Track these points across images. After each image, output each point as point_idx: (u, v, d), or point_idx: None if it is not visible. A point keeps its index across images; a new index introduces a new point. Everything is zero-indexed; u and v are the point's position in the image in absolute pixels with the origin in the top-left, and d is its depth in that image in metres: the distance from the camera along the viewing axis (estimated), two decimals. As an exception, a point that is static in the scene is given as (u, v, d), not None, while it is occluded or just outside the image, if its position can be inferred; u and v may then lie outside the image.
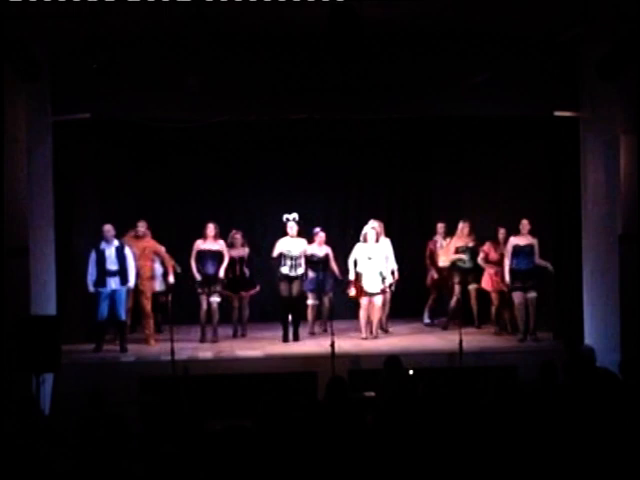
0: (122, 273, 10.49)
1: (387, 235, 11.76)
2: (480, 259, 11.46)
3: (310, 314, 11.66)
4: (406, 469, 5.28)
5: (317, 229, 11.68)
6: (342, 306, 12.08)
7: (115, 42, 9.21)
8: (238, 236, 11.50)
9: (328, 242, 11.69)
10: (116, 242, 10.54)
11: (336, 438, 5.62)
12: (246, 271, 11.48)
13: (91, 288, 10.45)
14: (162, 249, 11.30)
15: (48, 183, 10.16)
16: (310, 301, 11.61)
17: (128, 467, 5.22)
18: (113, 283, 10.45)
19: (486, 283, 11.51)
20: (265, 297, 12.23)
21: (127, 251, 10.57)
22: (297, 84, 10.14)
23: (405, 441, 5.59)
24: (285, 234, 11.28)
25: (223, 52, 9.69)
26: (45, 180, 10.09)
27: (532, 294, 10.94)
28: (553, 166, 11.30)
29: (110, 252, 10.46)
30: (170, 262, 11.29)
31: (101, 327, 10.58)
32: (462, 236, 11.82)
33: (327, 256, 11.53)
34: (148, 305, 11.03)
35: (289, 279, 11.19)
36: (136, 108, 10.18)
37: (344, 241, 12.47)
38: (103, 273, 10.43)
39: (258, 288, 11.66)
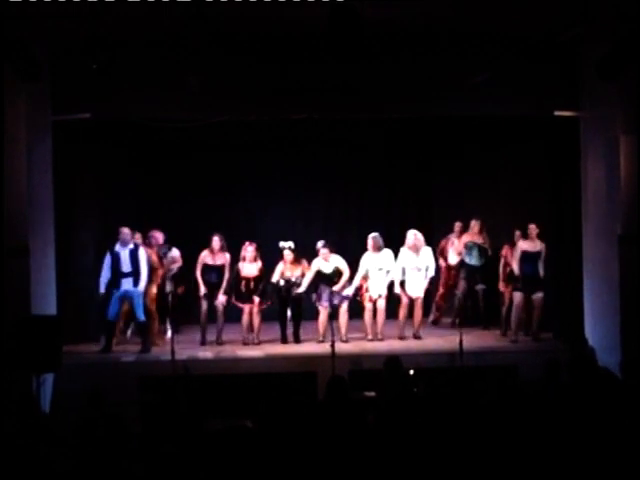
0: (135, 274, 10.48)
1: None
2: (501, 265, 11.41)
3: (321, 320, 11.08)
4: (406, 469, 5.28)
5: (319, 244, 11.20)
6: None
7: (115, 42, 9.20)
8: (251, 248, 11.15)
9: (328, 242, 11.54)
10: (131, 245, 10.55)
11: (336, 438, 5.62)
12: (260, 286, 11.16)
13: (102, 290, 10.45)
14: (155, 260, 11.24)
15: (48, 183, 10.16)
16: (321, 307, 11.08)
17: (128, 467, 5.21)
18: (126, 284, 10.44)
19: (501, 284, 11.45)
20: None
21: (141, 253, 10.56)
22: (297, 84, 10.14)
23: (406, 441, 5.59)
24: (282, 258, 11.15)
25: (223, 52, 9.68)
26: (45, 180, 10.09)
27: (538, 295, 10.92)
28: (553, 166, 11.30)
29: (125, 254, 10.47)
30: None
31: (111, 326, 10.54)
32: (472, 233, 11.85)
33: (336, 269, 11.12)
34: (153, 307, 10.98)
35: (284, 284, 11.15)
36: (136, 108, 10.19)
37: (344, 241, 12.46)
38: (117, 275, 10.45)
39: (270, 302, 11.28)
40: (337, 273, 11.15)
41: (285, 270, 11.16)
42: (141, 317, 10.55)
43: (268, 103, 10.27)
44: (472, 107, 10.49)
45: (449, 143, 12.88)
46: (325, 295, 11.04)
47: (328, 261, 11.17)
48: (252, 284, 11.14)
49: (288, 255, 11.14)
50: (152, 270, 10.85)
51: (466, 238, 11.90)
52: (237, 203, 13.45)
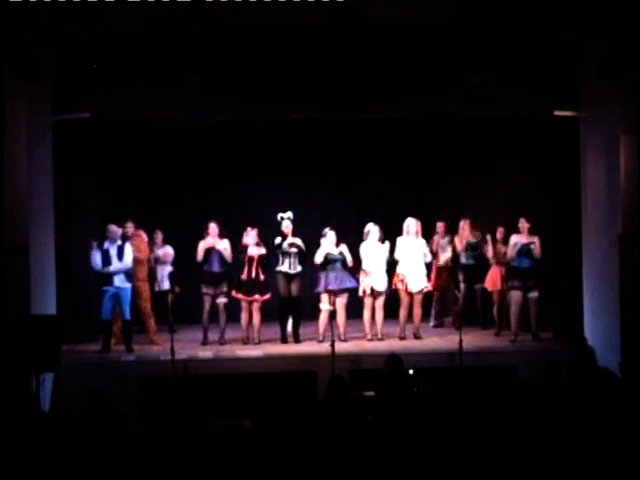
0: (125, 271, 10.50)
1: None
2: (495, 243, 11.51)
3: (322, 320, 10.97)
4: (405, 469, 5.28)
5: (326, 230, 11.29)
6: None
7: (115, 42, 9.20)
8: (253, 233, 11.09)
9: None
10: (119, 241, 10.56)
11: (336, 438, 5.62)
12: (261, 274, 11.04)
13: (98, 264, 10.37)
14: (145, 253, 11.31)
15: (48, 183, 10.16)
16: (323, 306, 11.00)
17: (128, 467, 5.22)
18: (117, 281, 10.43)
19: (488, 283, 11.52)
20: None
21: (127, 249, 10.57)
22: (297, 84, 10.14)
23: (405, 441, 5.59)
24: (280, 233, 11.14)
25: (223, 52, 9.68)
26: (45, 180, 10.09)
27: (534, 294, 10.92)
28: (553, 166, 11.31)
29: (114, 251, 10.47)
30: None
31: (107, 326, 10.53)
32: (464, 234, 11.85)
33: (342, 255, 11.16)
34: (147, 306, 11.02)
35: (288, 277, 11.07)
36: (136, 108, 10.19)
37: (344, 241, 12.44)
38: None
39: (269, 295, 11.13)
40: (342, 260, 11.12)
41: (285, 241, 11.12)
42: (127, 316, 10.53)
43: (268, 103, 10.27)
44: (472, 107, 10.48)
45: (449, 143, 12.89)
46: (324, 280, 10.97)
47: (336, 246, 11.18)
48: (253, 268, 10.97)
49: (288, 226, 11.09)
50: (139, 261, 10.89)
51: (459, 239, 11.90)
52: (237, 203, 13.45)
